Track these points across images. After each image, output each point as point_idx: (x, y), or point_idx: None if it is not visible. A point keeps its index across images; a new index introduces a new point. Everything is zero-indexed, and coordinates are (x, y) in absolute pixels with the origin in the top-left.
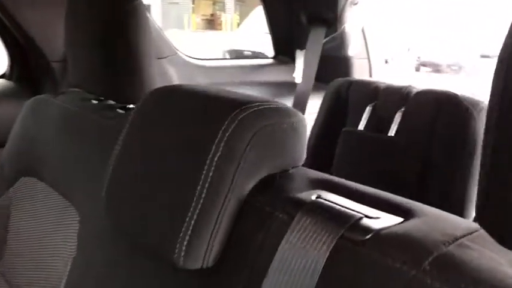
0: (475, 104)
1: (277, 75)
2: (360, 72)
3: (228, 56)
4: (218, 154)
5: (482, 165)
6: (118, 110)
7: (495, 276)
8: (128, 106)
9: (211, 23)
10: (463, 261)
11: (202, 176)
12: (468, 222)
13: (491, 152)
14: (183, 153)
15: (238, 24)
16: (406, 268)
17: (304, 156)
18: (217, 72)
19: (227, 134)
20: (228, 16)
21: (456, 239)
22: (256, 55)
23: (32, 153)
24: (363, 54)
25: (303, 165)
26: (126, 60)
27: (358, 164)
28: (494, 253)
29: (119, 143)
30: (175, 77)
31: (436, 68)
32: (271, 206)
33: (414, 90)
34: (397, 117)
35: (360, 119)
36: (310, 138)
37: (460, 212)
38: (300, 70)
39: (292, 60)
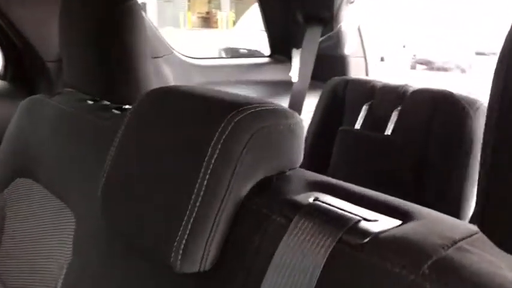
0: (472, 103)
1: (274, 74)
2: (356, 70)
3: (224, 54)
4: (215, 156)
5: (482, 165)
6: (114, 110)
7: (495, 280)
8: (123, 107)
9: (207, 21)
10: (463, 265)
11: (199, 179)
12: (466, 224)
13: (491, 152)
14: (179, 154)
15: (234, 22)
16: (405, 272)
17: (302, 157)
18: (213, 71)
19: (224, 136)
20: (224, 14)
21: (455, 242)
22: (252, 53)
23: (27, 153)
24: (359, 52)
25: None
26: (122, 59)
27: (354, 163)
28: (493, 257)
29: (115, 143)
30: (171, 76)
31: (432, 66)
32: (268, 209)
33: (410, 89)
34: (394, 116)
35: (357, 118)
36: (307, 137)
37: (457, 211)
38: (296, 69)
39: (289, 59)
